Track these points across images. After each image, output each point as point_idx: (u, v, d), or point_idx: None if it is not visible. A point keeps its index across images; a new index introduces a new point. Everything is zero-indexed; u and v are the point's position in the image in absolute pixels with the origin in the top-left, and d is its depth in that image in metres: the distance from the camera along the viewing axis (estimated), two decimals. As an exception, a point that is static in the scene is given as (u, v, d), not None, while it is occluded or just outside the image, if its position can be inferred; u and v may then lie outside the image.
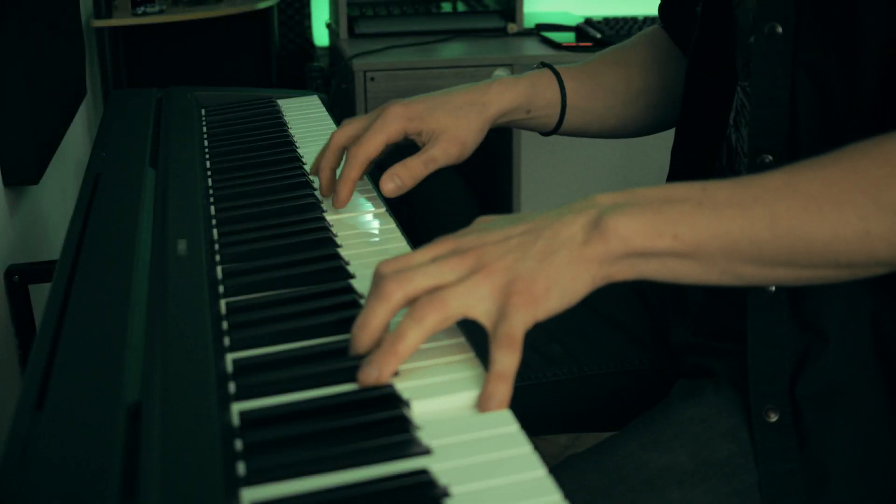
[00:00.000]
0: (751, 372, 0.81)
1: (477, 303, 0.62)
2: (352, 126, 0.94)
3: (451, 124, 0.94)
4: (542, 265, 0.63)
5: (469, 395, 0.62)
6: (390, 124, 0.92)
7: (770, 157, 0.79)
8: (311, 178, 1.00)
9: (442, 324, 0.62)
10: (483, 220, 0.68)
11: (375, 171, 0.94)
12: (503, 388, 0.60)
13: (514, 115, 1.00)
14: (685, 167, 0.98)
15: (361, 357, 0.64)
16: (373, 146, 0.91)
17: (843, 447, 0.79)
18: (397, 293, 0.63)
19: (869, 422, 0.79)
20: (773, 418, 0.80)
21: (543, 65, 1.03)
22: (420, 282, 0.63)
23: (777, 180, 0.65)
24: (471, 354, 0.65)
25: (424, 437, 0.57)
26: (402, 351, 0.62)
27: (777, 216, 0.64)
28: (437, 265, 0.64)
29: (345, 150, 0.94)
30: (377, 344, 0.64)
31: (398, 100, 0.95)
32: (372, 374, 0.62)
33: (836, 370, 0.79)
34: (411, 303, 0.63)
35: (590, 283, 0.64)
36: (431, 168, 0.92)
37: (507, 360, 0.61)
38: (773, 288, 0.79)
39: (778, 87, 0.78)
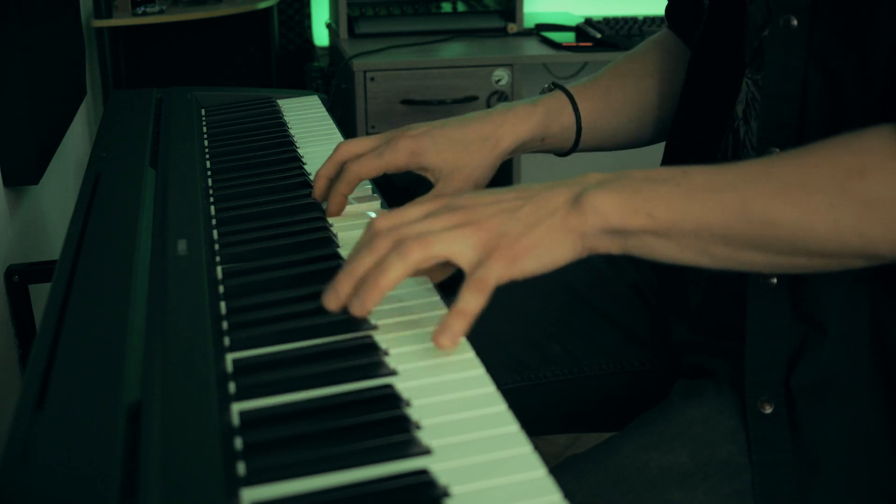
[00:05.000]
0: (747, 362, 0.81)
1: (460, 249, 0.67)
2: (358, 144, 0.92)
3: (461, 162, 0.92)
4: (527, 228, 0.67)
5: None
6: (393, 154, 0.90)
7: (777, 150, 0.79)
8: (311, 178, 1.00)
9: (424, 262, 0.67)
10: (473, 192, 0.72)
11: (384, 184, 0.92)
12: (460, 324, 0.65)
13: (528, 145, 0.98)
14: (681, 158, 0.97)
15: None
16: (367, 169, 0.90)
17: (835, 439, 0.79)
18: (387, 247, 0.67)
19: (862, 414, 0.79)
20: (768, 409, 0.80)
21: (555, 85, 1.02)
22: (410, 236, 0.67)
23: (755, 167, 0.69)
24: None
25: (424, 437, 0.57)
26: (385, 284, 0.67)
27: (747, 200, 0.67)
28: (428, 220, 0.68)
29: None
30: (355, 291, 0.68)
31: (414, 126, 0.93)
32: (356, 306, 0.67)
33: (832, 362, 0.79)
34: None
35: (570, 252, 0.68)
36: None
37: (472, 300, 0.65)
38: (775, 280, 0.79)
39: (789, 80, 0.78)
